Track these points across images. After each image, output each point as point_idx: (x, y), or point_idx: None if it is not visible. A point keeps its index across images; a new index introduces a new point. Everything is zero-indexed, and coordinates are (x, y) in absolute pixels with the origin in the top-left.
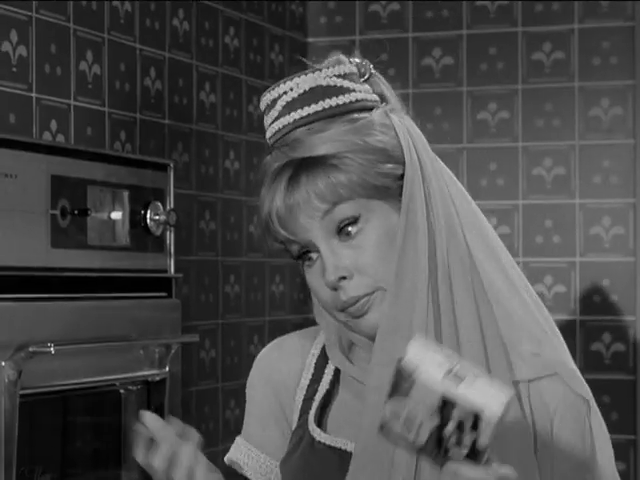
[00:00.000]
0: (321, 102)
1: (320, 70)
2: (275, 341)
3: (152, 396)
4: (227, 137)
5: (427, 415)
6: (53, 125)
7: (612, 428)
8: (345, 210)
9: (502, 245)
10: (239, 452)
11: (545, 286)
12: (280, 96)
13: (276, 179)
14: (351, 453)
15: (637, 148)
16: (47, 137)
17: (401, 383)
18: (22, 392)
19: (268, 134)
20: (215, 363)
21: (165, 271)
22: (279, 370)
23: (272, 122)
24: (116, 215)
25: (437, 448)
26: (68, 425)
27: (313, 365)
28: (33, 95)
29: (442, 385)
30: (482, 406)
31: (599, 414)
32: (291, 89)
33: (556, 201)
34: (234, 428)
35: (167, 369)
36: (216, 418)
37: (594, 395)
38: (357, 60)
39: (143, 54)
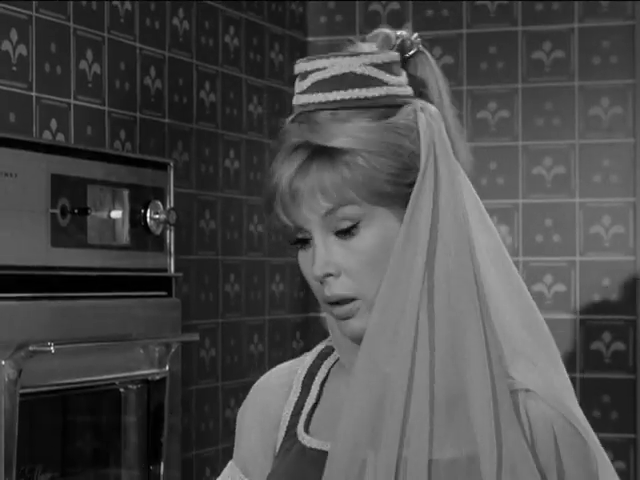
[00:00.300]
0: (350, 90)
1: (358, 55)
2: (268, 372)
3: (152, 395)
4: (227, 136)
5: None
6: (53, 124)
7: (612, 427)
8: (347, 213)
9: (515, 269)
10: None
11: (545, 285)
12: (312, 71)
13: (289, 157)
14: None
15: (637, 147)
16: (47, 136)
17: None
18: (22, 391)
19: (294, 100)
20: (215, 362)
21: (165, 270)
22: (269, 396)
23: (300, 93)
24: (116, 214)
25: None
26: (68, 424)
27: (300, 383)
28: (33, 94)
29: None
30: None
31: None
32: (325, 68)
33: (556, 200)
34: (234, 427)
35: (167, 368)
36: (216, 417)
37: (594, 394)
38: (404, 33)
39: (143, 53)
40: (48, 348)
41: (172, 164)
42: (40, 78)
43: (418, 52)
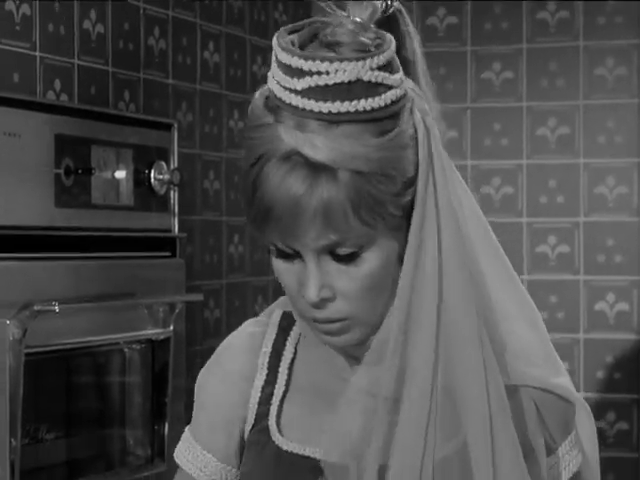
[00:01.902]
0: (355, 102)
1: (364, 59)
2: (225, 342)
3: (156, 355)
4: (231, 97)
5: None
6: (57, 84)
7: (615, 387)
8: (351, 240)
9: (509, 264)
10: (186, 451)
11: (549, 246)
12: (311, 73)
13: (285, 171)
14: (321, 461)
15: None
16: (51, 96)
17: None
18: (27, 351)
19: (278, 92)
20: (219, 323)
21: (169, 230)
22: (231, 372)
23: (291, 91)
24: (120, 174)
25: None
26: (72, 384)
27: (266, 365)
28: (37, 54)
29: None
30: None
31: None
32: (327, 72)
33: (560, 161)
34: None
35: (171, 328)
36: None
37: (598, 355)
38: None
39: (147, 13)
40: (53, 307)
41: (176, 124)
42: (44, 38)
43: (395, 11)
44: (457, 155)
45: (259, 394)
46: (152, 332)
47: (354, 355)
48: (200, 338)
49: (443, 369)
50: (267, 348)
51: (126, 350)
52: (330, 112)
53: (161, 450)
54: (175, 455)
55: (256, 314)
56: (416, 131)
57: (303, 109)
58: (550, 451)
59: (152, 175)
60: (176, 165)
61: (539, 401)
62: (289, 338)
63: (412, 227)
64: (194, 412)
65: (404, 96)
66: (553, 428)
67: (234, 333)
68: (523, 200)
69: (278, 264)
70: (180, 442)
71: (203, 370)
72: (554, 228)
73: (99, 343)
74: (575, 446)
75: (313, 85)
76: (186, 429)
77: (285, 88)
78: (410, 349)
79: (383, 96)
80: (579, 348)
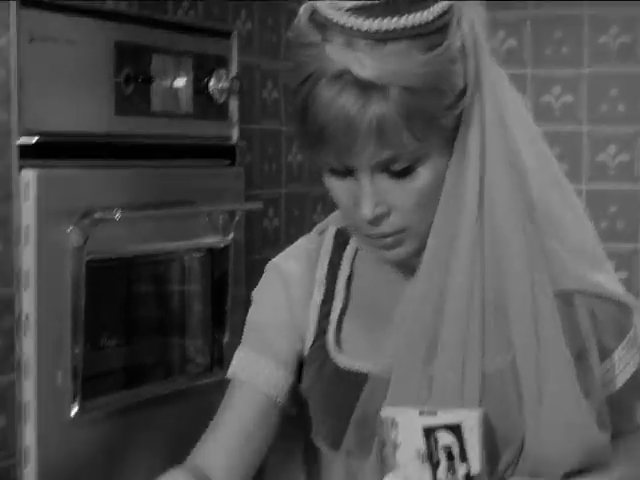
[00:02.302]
0: (404, 18)
1: None
2: (282, 255)
3: (216, 264)
4: (291, 4)
5: (418, 463)
6: None
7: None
8: (404, 156)
9: (562, 176)
10: (246, 362)
11: (609, 155)
12: None
13: (336, 90)
14: (379, 377)
15: None
16: (109, 5)
17: (388, 432)
18: (88, 258)
19: (324, 9)
20: (278, 232)
21: (228, 139)
22: (291, 283)
23: (338, 10)
24: (179, 82)
25: None
26: (132, 292)
27: (324, 283)
28: None
29: (421, 420)
30: (460, 419)
31: None
32: None
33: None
34: None
35: (231, 236)
36: None
37: None
38: None
39: None
40: (114, 215)
41: (236, 32)
42: None
43: None
44: (516, 64)
45: (317, 311)
46: (212, 240)
47: (408, 269)
48: (259, 247)
49: (491, 283)
50: (323, 265)
51: (186, 258)
52: (378, 30)
53: (220, 358)
54: (231, 373)
55: (314, 224)
56: (464, 43)
57: (351, 28)
58: (605, 356)
59: (211, 83)
60: (235, 73)
61: (593, 306)
62: (345, 255)
63: (458, 137)
64: (251, 319)
65: (450, 8)
66: (608, 333)
67: (291, 248)
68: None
69: (331, 182)
70: (233, 360)
71: (262, 279)
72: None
73: (159, 251)
74: (632, 347)
75: (360, 4)
76: (238, 351)
77: (333, 6)
78: (455, 262)
79: (429, 10)
80: (637, 258)
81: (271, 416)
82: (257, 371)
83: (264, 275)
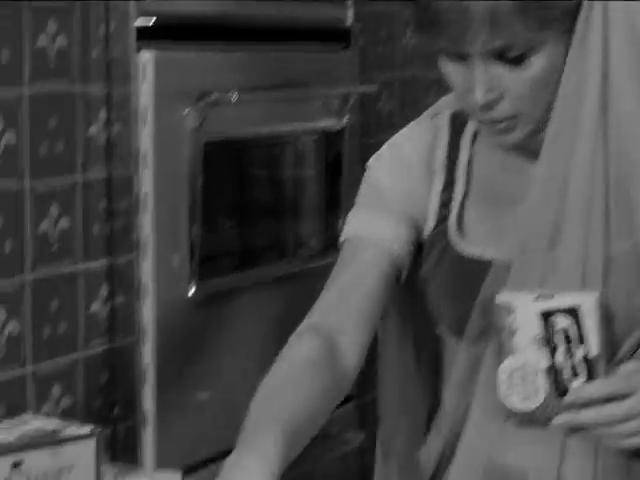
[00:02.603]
0: None
1: None
2: (399, 135)
3: (330, 147)
4: None
5: (535, 347)
6: None
7: None
8: (518, 43)
9: None
10: (366, 221)
11: None
12: None
13: None
14: (503, 263)
15: None
16: None
17: (504, 318)
18: (204, 140)
19: None
20: (392, 116)
21: (343, 21)
22: (411, 162)
23: None
24: None
25: (559, 395)
26: (247, 174)
27: (444, 165)
28: None
29: (537, 304)
30: (577, 301)
31: None
32: None
33: None
34: None
35: (345, 119)
36: None
37: None
38: None
39: None
40: (231, 96)
41: None
42: None
43: None
44: None
45: (439, 197)
46: (326, 123)
47: (529, 153)
48: (373, 130)
49: (615, 171)
50: (442, 150)
51: (300, 141)
52: None
53: (334, 241)
54: (345, 234)
55: (429, 108)
56: None
57: None
58: None
59: None
60: None
61: None
62: (462, 139)
63: (576, 29)
64: (368, 183)
65: None
66: None
67: (404, 130)
68: None
69: (446, 65)
70: (347, 223)
71: (379, 154)
72: None
73: (275, 134)
74: None
75: None
76: (350, 213)
77: None
78: (578, 147)
79: None
80: None
81: (391, 278)
82: (379, 228)
83: (382, 150)
